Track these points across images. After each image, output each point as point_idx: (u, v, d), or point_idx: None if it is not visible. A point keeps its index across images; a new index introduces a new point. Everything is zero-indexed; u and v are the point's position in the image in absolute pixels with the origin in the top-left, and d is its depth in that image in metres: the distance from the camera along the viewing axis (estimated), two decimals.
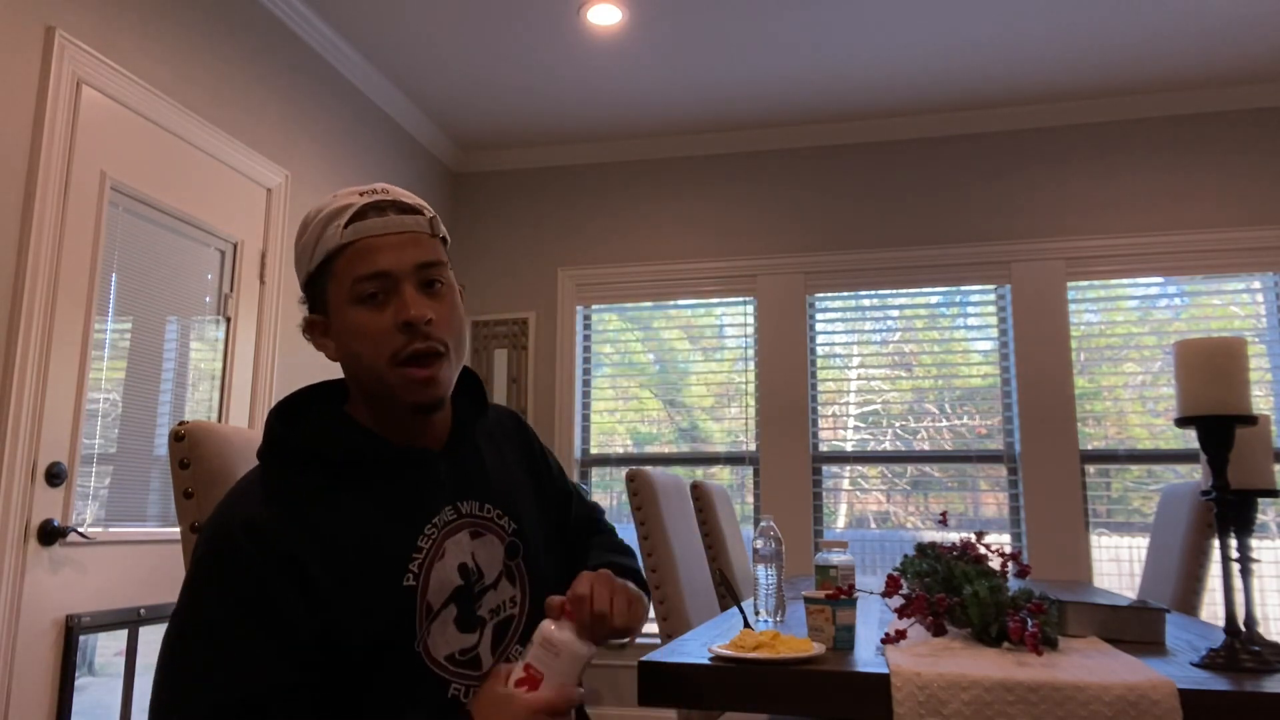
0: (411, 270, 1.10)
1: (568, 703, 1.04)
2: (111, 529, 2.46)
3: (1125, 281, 3.99)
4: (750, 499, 4.18)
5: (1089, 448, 3.90)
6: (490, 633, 1.15)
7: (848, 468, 4.14)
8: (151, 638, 2.59)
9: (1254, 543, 1.54)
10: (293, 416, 1.13)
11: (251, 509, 1.04)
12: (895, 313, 4.19)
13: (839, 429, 4.17)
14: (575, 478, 4.30)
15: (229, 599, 1.00)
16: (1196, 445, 1.46)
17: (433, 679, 1.09)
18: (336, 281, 1.10)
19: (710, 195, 4.38)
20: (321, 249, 1.10)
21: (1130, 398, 3.93)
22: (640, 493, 2.30)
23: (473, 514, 1.17)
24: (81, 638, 2.34)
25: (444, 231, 1.17)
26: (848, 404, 4.18)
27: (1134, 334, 3.97)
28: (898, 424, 4.10)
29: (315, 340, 1.15)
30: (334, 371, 1.22)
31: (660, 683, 1.32)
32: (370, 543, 1.07)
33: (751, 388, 4.24)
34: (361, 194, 1.12)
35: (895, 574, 1.68)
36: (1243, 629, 1.39)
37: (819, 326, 4.25)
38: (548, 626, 1.07)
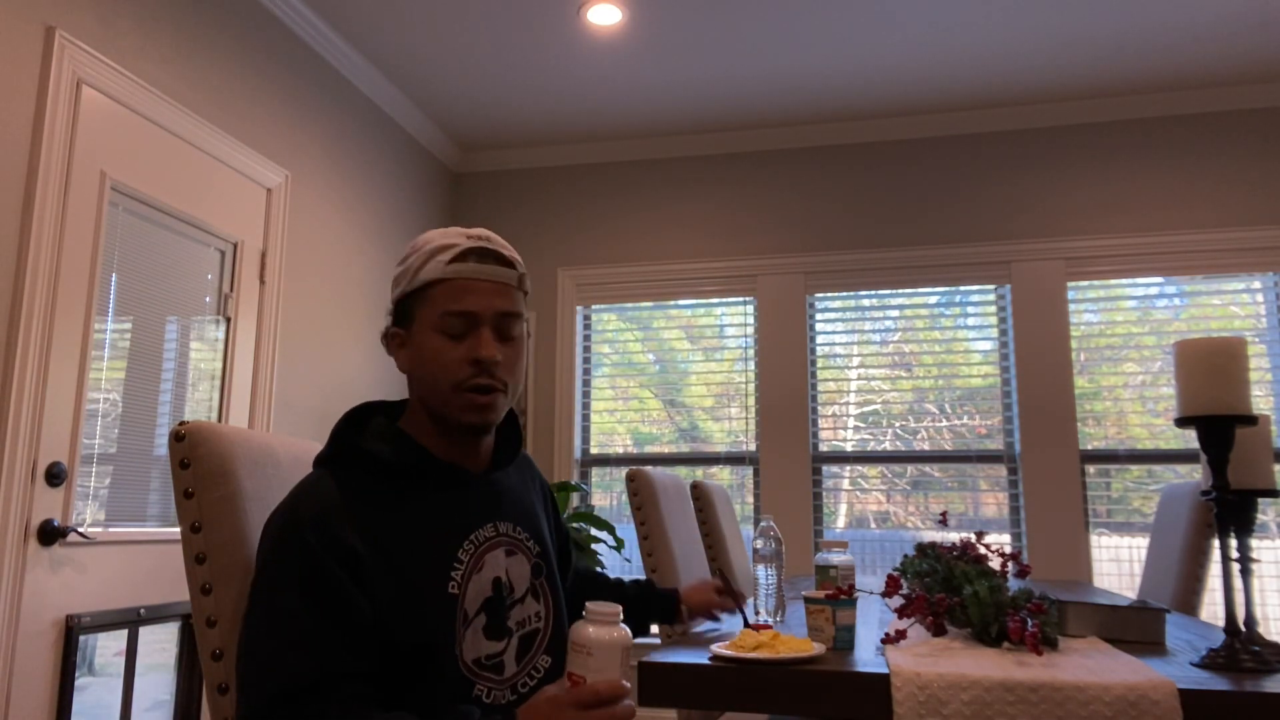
0: (493, 316, 1.22)
1: (611, 690, 1.03)
2: (111, 529, 2.46)
3: (1125, 281, 3.99)
4: (750, 499, 4.17)
5: (1089, 448, 3.90)
6: (516, 643, 1.25)
7: (848, 468, 4.14)
8: (151, 638, 2.59)
9: (1254, 543, 1.54)
10: (354, 426, 1.25)
11: (316, 507, 1.13)
12: (895, 313, 4.19)
13: (839, 429, 4.17)
14: (575, 478, 4.30)
15: (297, 590, 1.08)
16: (1196, 445, 1.46)
17: (462, 680, 1.17)
18: (428, 308, 1.22)
19: (710, 195, 4.38)
20: (422, 276, 1.22)
21: (1130, 398, 3.93)
22: (640, 493, 2.30)
23: (507, 534, 1.28)
24: (81, 638, 2.34)
25: (528, 287, 1.31)
26: (848, 404, 4.18)
27: (1134, 334, 3.97)
28: (898, 424, 4.10)
29: (391, 349, 1.28)
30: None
31: (660, 683, 1.32)
32: (419, 549, 1.17)
33: (751, 388, 4.24)
34: (468, 237, 1.24)
35: (895, 574, 1.67)
36: (1243, 629, 1.39)
37: (819, 326, 4.25)
38: (583, 634, 1.06)
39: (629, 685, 1.06)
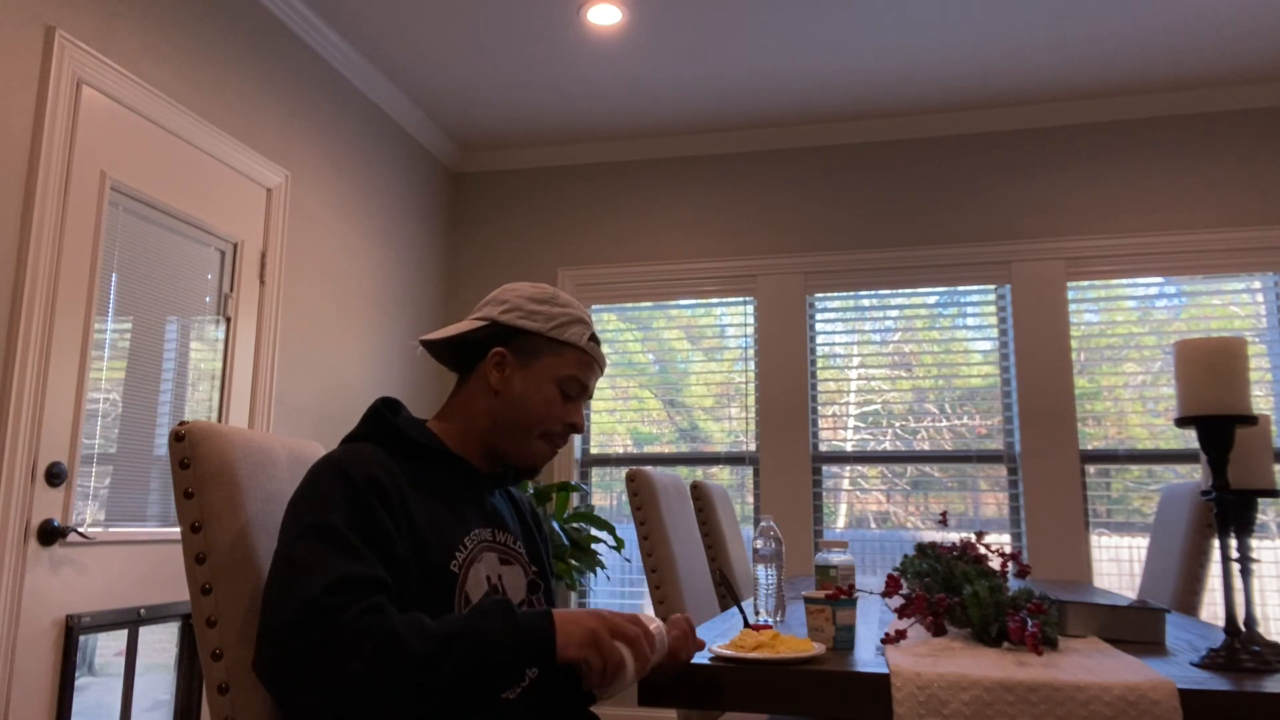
0: (591, 394, 1.42)
1: (634, 635, 1.14)
2: (111, 529, 2.46)
3: (1125, 281, 3.99)
4: (750, 499, 4.17)
5: (1089, 448, 3.90)
6: None
7: (848, 468, 4.14)
8: (151, 638, 2.59)
9: (1254, 543, 1.54)
10: (389, 410, 1.34)
11: (357, 457, 1.21)
12: (895, 313, 4.19)
13: (839, 429, 4.17)
14: (575, 478, 4.30)
15: (342, 511, 1.15)
16: (1196, 445, 1.47)
17: None
18: (557, 362, 1.36)
19: (710, 195, 4.38)
20: (568, 336, 1.37)
21: (1130, 398, 3.93)
22: (640, 493, 2.30)
23: (505, 544, 1.35)
24: (81, 638, 2.34)
25: None
26: (848, 404, 4.18)
27: (1134, 334, 3.97)
28: (898, 424, 4.10)
29: (490, 366, 1.36)
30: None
31: (660, 683, 1.32)
32: (430, 523, 1.23)
33: (751, 388, 4.24)
34: (586, 321, 1.40)
35: (895, 574, 1.67)
36: (1243, 629, 1.39)
37: (819, 326, 4.25)
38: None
39: (654, 646, 1.18)
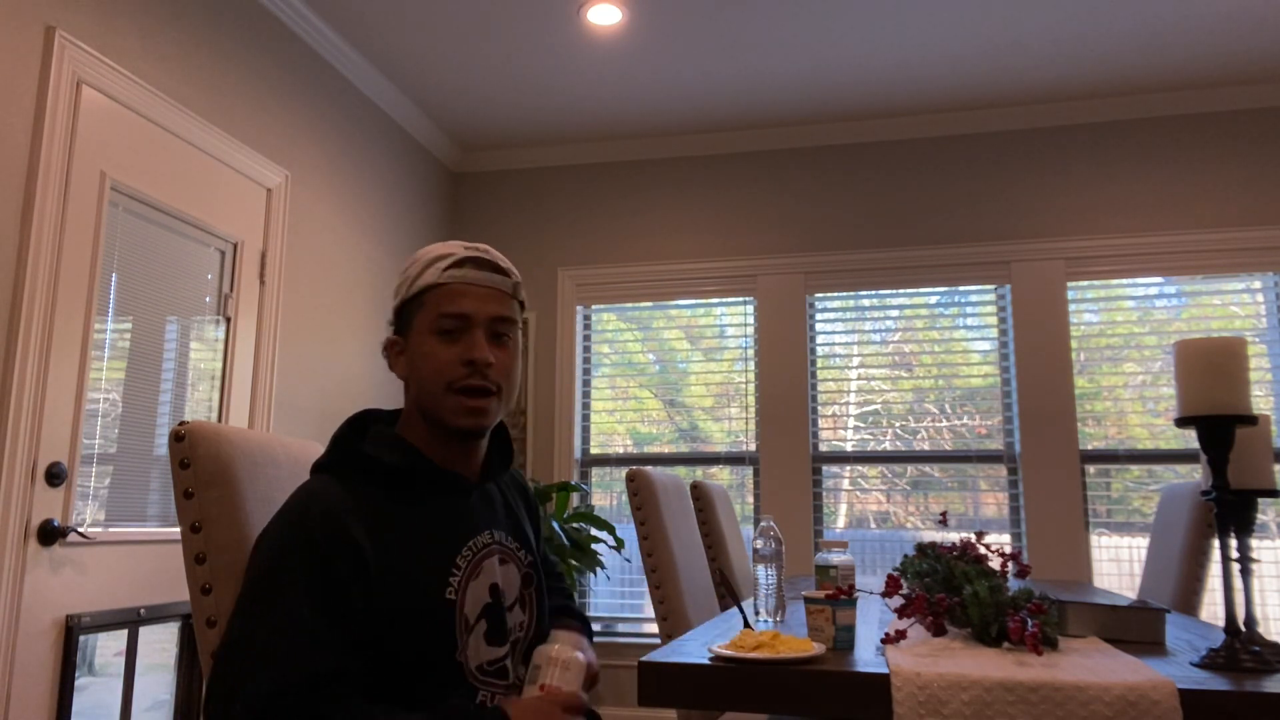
0: (486, 320, 1.26)
1: (583, 704, 1.19)
2: (111, 529, 2.46)
3: (1125, 281, 3.99)
4: (750, 499, 4.17)
5: (1089, 448, 3.90)
6: (509, 648, 1.28)
7: (848, 468, 4.14)
8: (151, 638, 2.59)
9: (1254, 543, 1.54)
10: (356, 433, 1.27)
11: (323, 506, 1.14)
12: (895, 313, 4.19)
13: (839, 429, 4.17)
14: (575, 478, 4.30)
15: (300, 582, 1.08)
16: (1196, 445, 1.47)
17: (465, 686, 1.19)
18: (424, 312, 1.25)
19: (710, 195, 4.38)
20: (420, 282, 1.26)
21: (1130, 398, 3.93)
22: (640, 493, 2.29)
23: (501, 542, 1.30)
24: (81, 638, 2.34)
25: (523, 297, 1.35)
26: (848, 404, 4.18)
27: (1134, 334, 3.97)
28: (898, 424, 4.10)
29: (390, 358, 1.30)
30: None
31: (660, 683, 1.32)
32: (419, 555, 1.18)
33: (751, 388, 4.24)
34: (466, 248, 1.29)
35: (895, 574, 1.67)
36: (1243, 629, 1.39)
37: (819, 326, 4.25)
38: (553, 651, 1.22)
39: (585, 697, 1.23)
